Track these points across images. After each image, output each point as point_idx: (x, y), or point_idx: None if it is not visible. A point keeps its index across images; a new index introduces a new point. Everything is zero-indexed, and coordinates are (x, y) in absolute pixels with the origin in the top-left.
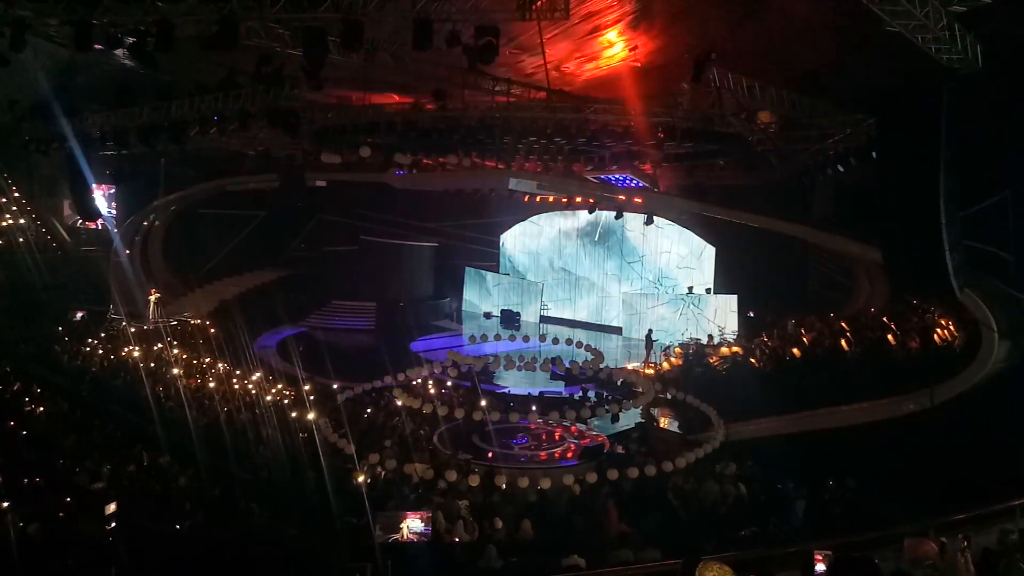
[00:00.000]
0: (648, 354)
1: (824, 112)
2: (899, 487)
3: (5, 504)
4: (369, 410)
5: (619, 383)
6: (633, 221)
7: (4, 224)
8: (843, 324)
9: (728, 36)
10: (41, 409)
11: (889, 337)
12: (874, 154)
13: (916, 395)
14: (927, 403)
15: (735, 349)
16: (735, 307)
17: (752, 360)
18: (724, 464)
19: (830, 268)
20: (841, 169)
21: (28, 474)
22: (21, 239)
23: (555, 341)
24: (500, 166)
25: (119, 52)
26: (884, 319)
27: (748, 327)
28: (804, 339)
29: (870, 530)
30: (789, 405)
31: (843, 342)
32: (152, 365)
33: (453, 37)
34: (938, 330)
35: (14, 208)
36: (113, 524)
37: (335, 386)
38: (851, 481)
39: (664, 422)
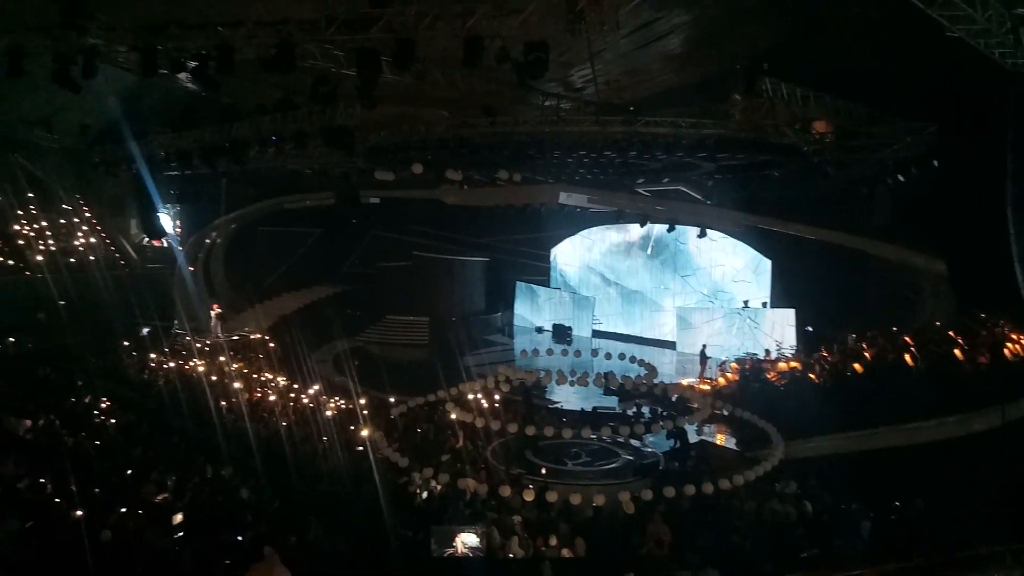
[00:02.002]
0: (703, 369)
1: (882, 120)
2: (970, 509)
3: (79, 512)
4: (424, 424)
5: (674, 399)
6: (686, 234)
7: (76, 243)
8: (907, 339)
9: (781, 46)
10: (111, 421)
11: (956, 352)
12: (936, 162)
13: (986, 413)
14: (998, 421)
15: (793, 364)
16: (793, 321)
17: (811, 376)
18: (784, 483)
19: (892, 281)
20: (901, 178)
21: (99, 484)
22: (92, 257)
23: (608, 356)
24: (550, 180)
25: (183, 76)
26: (951, 333)
27: (807, 342)
28: (866, 354)
29: (939, 553)
30: (851, 422)
31: (907, 357)
32: (214, 379)
33: (502, 53)
34: (1009, 344)
35: (85, 228)
36: (179, 534)
37: (391, 400)
38: (919, 502)
39: (720, 439)
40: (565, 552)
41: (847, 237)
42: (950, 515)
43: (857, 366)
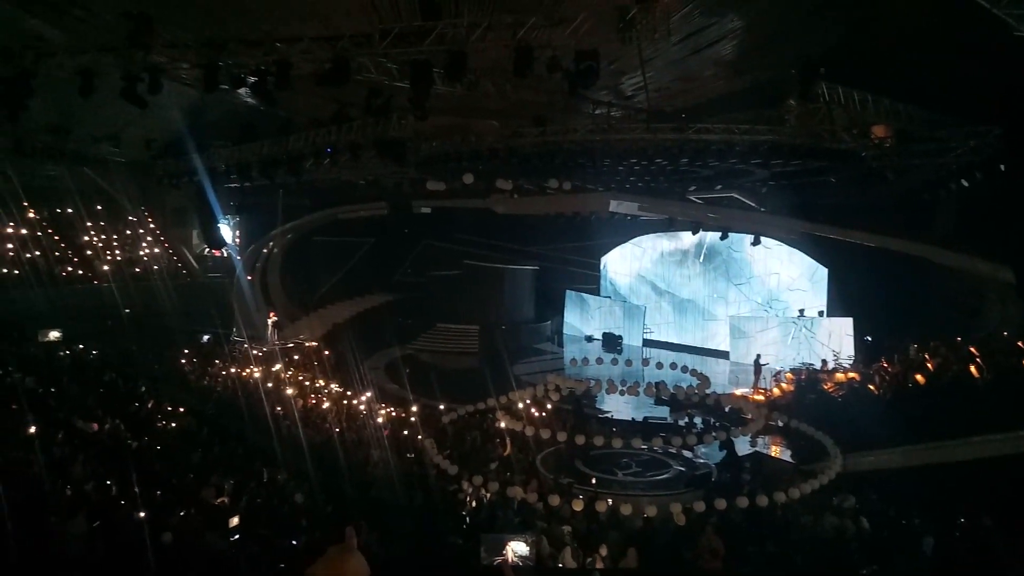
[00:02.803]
0: (757, 379)
1: (945, 124)
2: None
3: (141, 514)
4: (474, 432)
5: (727, 409)
6: (740, 242)
7: (140, 253)
8: (972, 349)
9: (837, 49)
10: (172, 425)
11: None
12: (1002, 166)
13: None
14: None
15: (851, 375)
16: (851, 331)
17: (871, 387)
18: (842, 497)
19: (955, 289)
20: (965, 183)
21: (161, 487)
22: (155, 267)
23: (659, 365)
24: (600, 188)
25: (242, 91)
26: (1020, 343)
27: (865, 352)
28: (928, 365)
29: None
30: (913, 435)
31: (973, 368)
32: (270, 385)
33: (553, 63)
34: None
35: (149, 239)
36: (236, 537)
37: (441, 407)
38: (987, 519)
39: (775, 451)
40: (599, 564)
41: (908, 244)
42: (1019, 533)
43: (919, 377)
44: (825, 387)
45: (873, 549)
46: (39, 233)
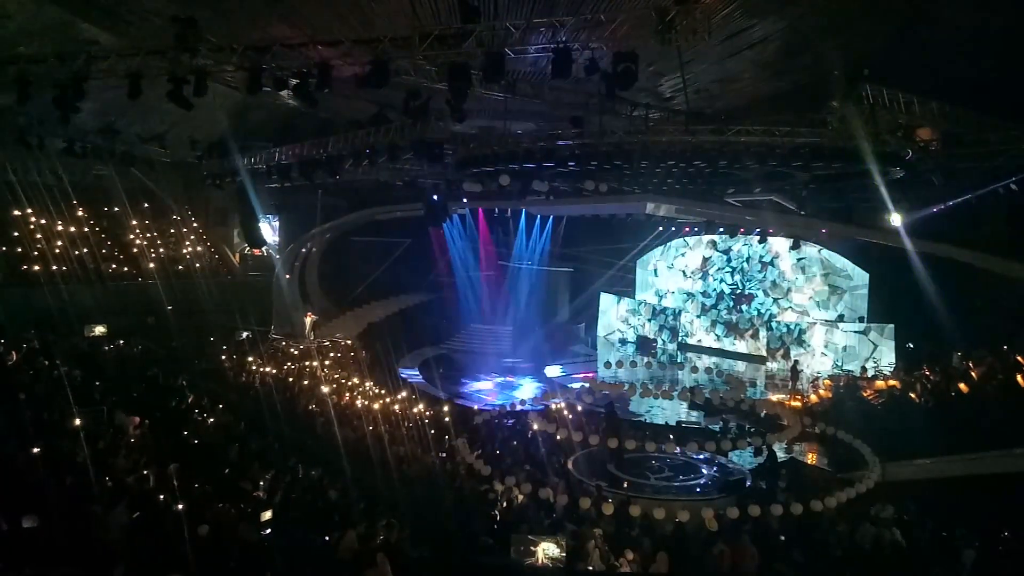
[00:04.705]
0: (794, 385)
1: (994, 127)
2: None
3: (180, 506)
4: (506, 433)
5: (762, 415)
6: (778, 245)
7: (183, 252)
8: (1020, 358)
9: (883, 50)
10: (210, 420)
11: None
12: None
13: None
14: None
15: (892, 383)
16: (892, 337)
17: (912, 395)
18: (880, 506)
19: (1003, 296)
20: (1015, 188)
21: (199, 480)
22: (197, 265)
23: (694, 369)
24: (637, 190)
25: (284, 93)
26: None
27: (907, 359)
28: (972, 374)
29: None
30: (956, 445)
31: (1020, 378)
32: (306, 383)
33: (592, 65)
34: None
35: (192, 237)
36: (268, 531)
37: (475, 407)
38: None
39: (811, 458)
40: (626, 568)
41: (954, 250)
42: None
43: (962, 386)
44: (864, 394)
45: (911, 560)
46: (87, 230)
